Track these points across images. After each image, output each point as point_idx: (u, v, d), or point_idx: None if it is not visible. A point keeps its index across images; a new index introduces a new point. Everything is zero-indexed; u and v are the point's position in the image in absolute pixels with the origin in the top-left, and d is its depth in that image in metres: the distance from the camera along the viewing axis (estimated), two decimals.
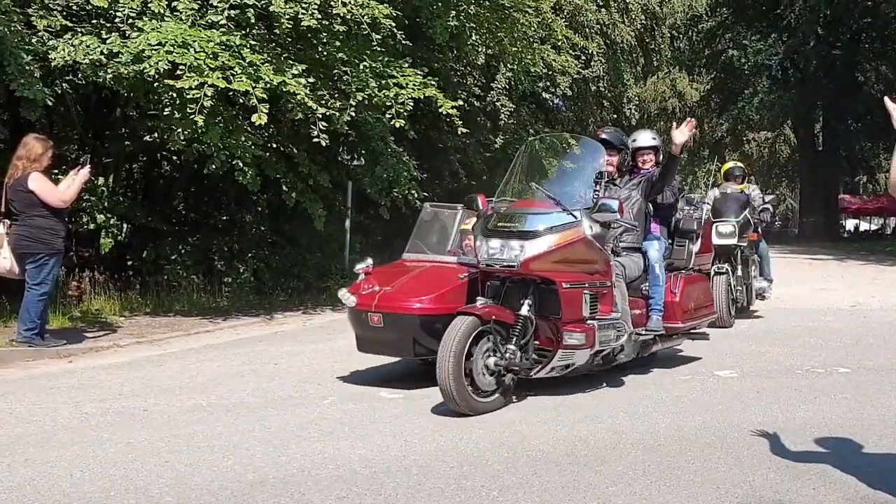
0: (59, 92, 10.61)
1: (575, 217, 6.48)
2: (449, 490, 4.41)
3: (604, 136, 7.74)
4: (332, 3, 10.49)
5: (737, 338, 9.78)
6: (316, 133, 10.75)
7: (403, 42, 11.93)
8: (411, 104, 11.45)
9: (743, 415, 6.04)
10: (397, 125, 11.52)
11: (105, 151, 13.17)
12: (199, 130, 9.88)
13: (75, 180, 8.87)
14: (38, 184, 8.53)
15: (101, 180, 12.15)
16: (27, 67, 9.25)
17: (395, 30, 11.24)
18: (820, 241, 34.63)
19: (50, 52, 9.74)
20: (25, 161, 8.59)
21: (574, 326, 6.37)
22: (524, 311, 6.30)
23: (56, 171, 9.90)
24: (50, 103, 9.66)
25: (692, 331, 8.09)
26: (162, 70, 9.44)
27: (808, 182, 43.57)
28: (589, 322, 6.47)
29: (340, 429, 5.70)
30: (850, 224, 53.45)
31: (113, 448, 5.18)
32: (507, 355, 6.18)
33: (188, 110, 9.62)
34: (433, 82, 11.85)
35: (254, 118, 9.97)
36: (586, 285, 6.48)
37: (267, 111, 10.01)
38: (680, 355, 8.55)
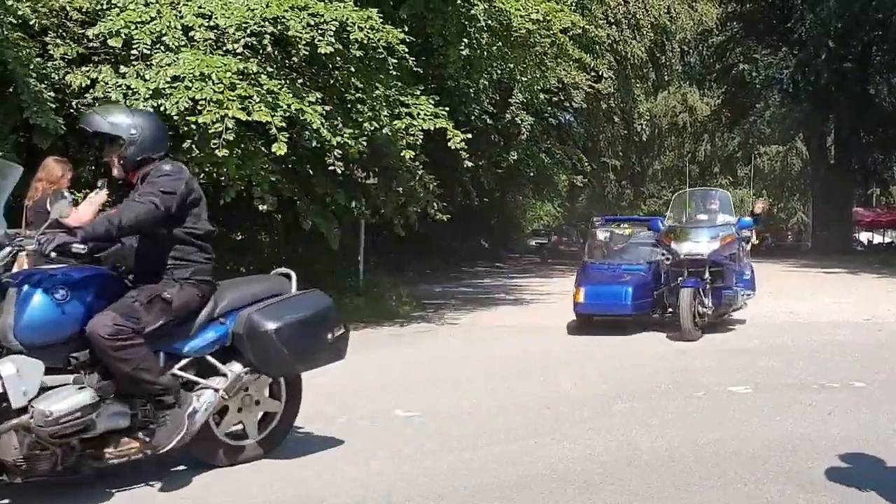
0: (75, 113, 10.68)
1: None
2: None
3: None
4: (349, 28, 10.59)
5: (750, 353, 9.77)
6: (331, 161, 10.92)
7: (415, 68, 12.07)
8: (421, 135, 11.61)
9: (758, 430, 6.03)
10: (407, 157, 11.70)
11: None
12: (219, 162, 10.01)
13: (93, 203, 8.94)
14: None
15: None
16: (41, 96, 9.35)
17: (407, 55, 11.38)
18: (833, 254, 34.42)
19: (67, 75, 9.86)
20: (45, 183, 8.66)
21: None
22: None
23: (73, 192, 9.96)
24: (62, 132, 9.74)
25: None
26: (183, 109, 9.57)
27: (820, 195, 43.43)
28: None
29: (355, 447, 5.72)
30: (863, 237, 53.19)
31: (123, 479, 5.21)
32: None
33: (212, 145, 9.76)
34: (444, 112, 11.98)
35: (274, 148, 10.13)
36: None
37: (286, 139, 10.18)
38: (692, 371, 8.55)
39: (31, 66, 9.52)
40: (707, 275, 11.07)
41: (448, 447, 5.70)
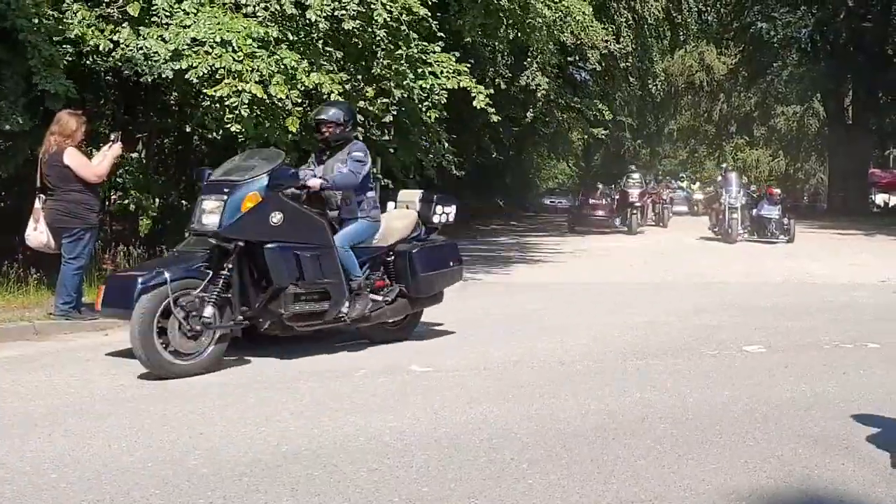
0: (88, 71, 10.65)
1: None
2: (479, 462, 4.46)
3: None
4: (373, 4, 10.53)
5: (765, 312, 9.77)
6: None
7: (436, 30, 12.03)
8: (445, 95, 11.53)
9: (772, 389, 6.05)
10: (431, 117, 11.61)
11: (137, 127, 13.23)
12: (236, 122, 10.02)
13: (107, 155, 8.96)
14: (72, 159, 8.62)
15: (133, 155, 12.23)
16: (53, 60, 9.29)
17: (429, 20, 11.37)
18: (849, 215, 34.22)
19: (85, 36, 9.84)
20: (59, 136, 8.67)
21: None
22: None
23: (89, 146, 9.98)
24: (73, 95, 9.69)
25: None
26: (201, 75, 9.55)
27: (837, 156, 43.05)
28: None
29: (372, 401, 5.76)
30: (879, 199, 52.76)
31: (149, 420, 5.27)
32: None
33: (226, 120, 9.77)
34: (466, 68, 11.87)
35: (287, 123, 10.06)
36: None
37: (300, 115, 10.16)
38: (707, 330, 8.56)
39: (44, 30, 9.46)
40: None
41: (463, 402, 5.73)
